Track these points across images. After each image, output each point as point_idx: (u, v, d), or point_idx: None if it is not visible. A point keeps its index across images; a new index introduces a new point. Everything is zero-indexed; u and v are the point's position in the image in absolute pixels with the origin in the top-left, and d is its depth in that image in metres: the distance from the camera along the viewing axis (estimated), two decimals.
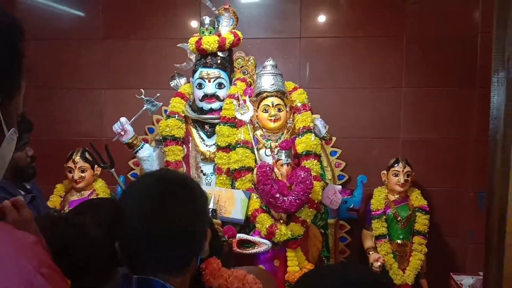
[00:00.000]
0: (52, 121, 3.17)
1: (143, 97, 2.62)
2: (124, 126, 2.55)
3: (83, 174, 2.78)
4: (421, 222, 2.83)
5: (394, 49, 3.12)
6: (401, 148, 3.14)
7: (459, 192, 3.11)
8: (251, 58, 2.93)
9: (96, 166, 2.74)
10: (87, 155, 2.76)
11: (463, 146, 3.07)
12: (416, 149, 3.12)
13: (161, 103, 2.67)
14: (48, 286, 0.59)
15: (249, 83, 2.74)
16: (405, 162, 2.85)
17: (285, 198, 2.21)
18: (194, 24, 3.18)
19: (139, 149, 2.62)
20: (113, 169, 2.54)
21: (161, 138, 2.59)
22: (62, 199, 2.85)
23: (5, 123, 0.66)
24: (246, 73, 2.93)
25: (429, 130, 3.12)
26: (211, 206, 2.21)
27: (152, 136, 3.03)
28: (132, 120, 2.58)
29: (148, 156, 2.63)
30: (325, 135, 2.63)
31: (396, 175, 2.84)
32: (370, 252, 2.84)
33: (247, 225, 2.37)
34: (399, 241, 2.83)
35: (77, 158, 2.77)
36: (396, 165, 2.85)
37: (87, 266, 1.12)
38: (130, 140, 2.58)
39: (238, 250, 2.22)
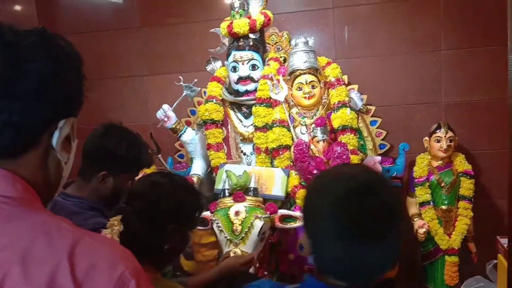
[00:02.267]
0: (100, 109, 3.32)
1: (182, 83, 2.73)
2: (166, 113, 2.68)
3: None
4: (466, 187, 2.80)
5: (432, 11, 3.01)
6: (443, 112, 3.08)
7: (504, 153, 3.01)
8: (285, 33, 2.95)
9: None
10: None
11: (506, 106, 2.95)
12: (459, 112, 3.05)
13: (200, 88, 2.78)
14: None
15: (284, 60, 2.77)
16: (447, 127, 2.80)
17: None
18: (226, 5, 3.22)
19: (182, 133, 2.75)
20: (159, 155, 2.69)
21: (201, 121, 2.70)
22: None
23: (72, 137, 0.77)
24: (281, 49, 2.96)
25: (471, 92, 3.03)
26: (252, 185, 2.30)
27: (194, 118, 3.15)
28: (173, 106, 2.70)
29: (191, 140, 2.76)
30: (361, 107, 2.63)
31: (439, 141, 2.80)
32: (415, 219, 2.85)
33: (288, 201, 2.45)
34: (444, 207, 2.83)
35: None
36: (438, 130, 2.80)
37: None
38: (173, 126, 2.71)
39: (280, 225, 2.31)
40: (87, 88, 0.79)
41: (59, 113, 0.73)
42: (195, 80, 2.72)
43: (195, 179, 2.65)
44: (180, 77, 2.73)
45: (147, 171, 3.00)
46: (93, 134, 1.58)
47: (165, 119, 2.68)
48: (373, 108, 3.01)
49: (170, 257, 1.39)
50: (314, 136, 2.41)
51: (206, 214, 2.29)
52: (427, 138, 2.88)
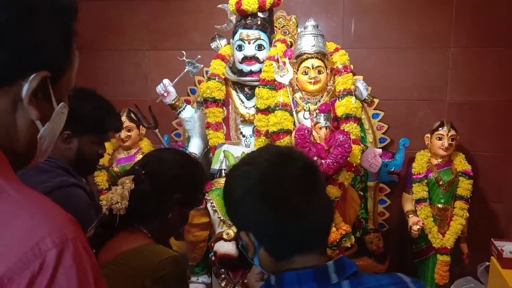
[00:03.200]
0: (97, 81, 3.23)
1: (185, 59, 2.66)
2: (167, 88, 2.62)
3: (129, 133, 2.90)
4: (464, 187, 2.78)
5: (443, 7, 2.96)
6: (446, 110, 3.04)
7: (505, 157, 3.00)
8: (293, 17, 2.88)
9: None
10: (132, 115, 2.86)
11: (511, 109, 2.94)
12: (463, 112, 3.01)
13: (202, 65, 2.71)
14: (59, 262, 0.57)
15: (290, 43, 2.70)
16: (450, 125, 2.77)
17: (322, 161, 2.23)
18: None
19: (182, 110, 2.69)
20: (156, 130, 2.63)
21: (202, 99, 2.64)
22: (110, 157, 2.99)
23: (55, 98, 0.71)
24: (288, 33, 2.89)
25: (477, 92, 2.99)
26: None
27: (194, 97, 3.09)
28: (174, 82, 2.64)
29: (190, 117, 2.70)
30: (366, 97, 2.59)
31: (440, 139, 2.77)
32: (410, 215, 2.83)
33: None
34: (440, 205, 2.80)
35: (123, 117, 2.86)
36: (441, 128, 2.77)
37: None
38: (173, 102, 2.65)
39: None
40: (78, 46, 0.74)
41: (25, 64, 0.66)
42: (199, 56, 2.66)
43: None
44: (183, 51, 2.66)
45: (143, 148, 2.98)
46: None
47: (165, 94, 2.62)
48: (376, 100, 2.96)
49: (168, 231, 1.39)
50: (317, 122, 2.36)
51: None
52: (428, 135, 2.84)
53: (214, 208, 2.15)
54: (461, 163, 2.82)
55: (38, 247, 0.56)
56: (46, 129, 0.72)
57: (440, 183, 2.80)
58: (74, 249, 0.59)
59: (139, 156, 2.87)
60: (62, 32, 0.70)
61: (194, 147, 2.70)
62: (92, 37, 3.31)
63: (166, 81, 2.62)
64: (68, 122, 1.46)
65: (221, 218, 2.12)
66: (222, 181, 2.23)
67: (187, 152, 1.83)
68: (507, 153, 2.99)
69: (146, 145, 2.97)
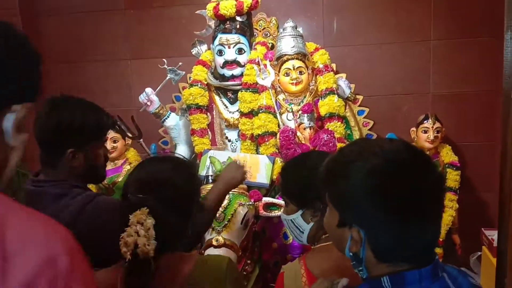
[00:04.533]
0: (80, 93, 3.20)
1: (166, 66, 2.65)
2: (149, 97, 2.60)
3: (115, 145, 2.87)
4: (452, 178, 2.79)
5: (421, 1, 2.98)
6: (430, 103, 3.06)
7: (491, 146, 3.02)
8: (273, 19, 2.88)
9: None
10: (116, 126, 2.84)
11: (495, 99, 2.95)
12: (447, 103, 3.03)
13: (184, 72, 2.70)
14: (71, 268, 0.64)
15: (272, 45, 2.71)
16: (435, 118, 2.78)
17: None
18: None
19: (166, 118, 2.68)
20: (141, 139, 2.61)
21: (185, 106, 2.63)
22: None
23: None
24: (269, 35, 2.89)
25: (460, 83, 3.01)
26: None
27: (179, 104, 3.08)
28: (157, 90, 2.63)
29: (175, 125, 2.69)
30: (349, 95, 2.59)
31: (426, 132, 2.78)
32: None
33: (272, 188, 2.41)
34: None
35: None
36: (426, 121, 2.78)
37: None
38: (157, 110, 2.64)
39: (265, 213, 2.27)
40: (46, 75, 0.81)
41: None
42: (180, 63, 2.65)
43: None
44: (164, 59, 2.65)
45: (129, 158, 2.96)
46: (40, 115, 1.43)
47: (148, 103, 2.61)
48: (360, 97, 2.97)
49: (195, 240, 1.37)
50: (301, 123, 2.36)
51: None
52: (414, 128, 2.85)
53: None
54: (448, 154, 2.83)
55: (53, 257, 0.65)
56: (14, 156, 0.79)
57: None
58: (80, 257, 0.69)
59: (127, 167, 2.86)
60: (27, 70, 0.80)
61: (181, 154, 2.68)
62: (73, 49, 3.31)
63: (148, 90, 2.61)
64: (66, 138, 1.42)
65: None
66: (209, 187, 2.21)
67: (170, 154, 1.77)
68: (493, 141, 3.01)
69: (132, 155, 2.96)
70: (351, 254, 0.89)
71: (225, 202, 2.13)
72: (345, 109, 2.55)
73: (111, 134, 2.84)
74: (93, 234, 1.22)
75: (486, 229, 2.61)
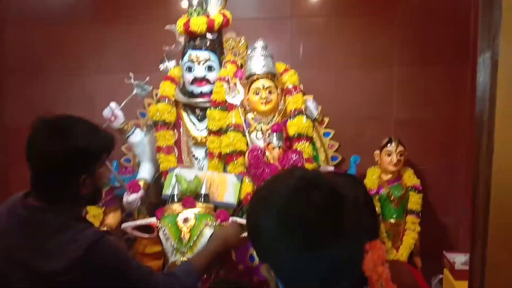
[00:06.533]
0: (40, 107, 3.09)
1: (132, 81, 2.58)
2: (114, 112, 2.51)
3: None
4: (414, 201, 2.84)
5: (386, 28, 3.08)
6: (393, 127, 3.12)
7: (452, 171, 3.11)
8: (242, 38, 2.89)
9: None
10: None
11: (456, 125, 3.06)
12: (409, 128, 3.10)
13: (151, 87, 2.63)
14: None
15: (240, 65, 2.70)
16: (398, 142, 2.83)
17: None
18: (183, 4, 3.12)
19: (130, 134, 2.58)
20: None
21: (152, 123, 2.56)
22: None
23: None
24: (238, 54, 2.89)
25: (422, 109, 3.10)
26: (203, 191, 2.20)
27: (144, 120, 3.00)
28: (122, 105, 2.54)
29: (140, 142, 2.60)
30: (316, 116, 2.62)
31: (389, 155, 2.83)
32: None
33: (240, 208, 2.36)
34: (392, 221, 2.84)
35: None
36: (389, 145, 2.83)
37: None
38: (121, 126, 2.54)
39: None
40: None
41: None
42: (147, 78, 2.59)
43: (141, 183, 2.49)
44: (130, 74, 2.58)
45: None
46: (37, 139, 1.31)
47: (112, 118, 2.52)
48: (327, 119, 3.00)
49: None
50: (270, 143, 2.35)
51: (152, 220, 2.15)
52: (377, 151, 2.90)
53: (166, 236, 2.06)
54: (410, 178, 2.89)
55: None
56: None
57: (392, 198, 2.85)
58: None
59: None
60: None
61: (145, 172, 2.60)
62: (37, 60, 3.20)
63: (113, 104, 2.52)
64: (77, 164, 1.30)
65: (174, 246, 2.03)
66: (174, 207, 2.15)
67: None
68: (454, 167, 3.10)
69: None
70: None
71: (192, 222, 2.07)
72: (313, 130, 2.57)
73: None
74: (105, 268, 1.27)
75: (447, 252, 2.66)
